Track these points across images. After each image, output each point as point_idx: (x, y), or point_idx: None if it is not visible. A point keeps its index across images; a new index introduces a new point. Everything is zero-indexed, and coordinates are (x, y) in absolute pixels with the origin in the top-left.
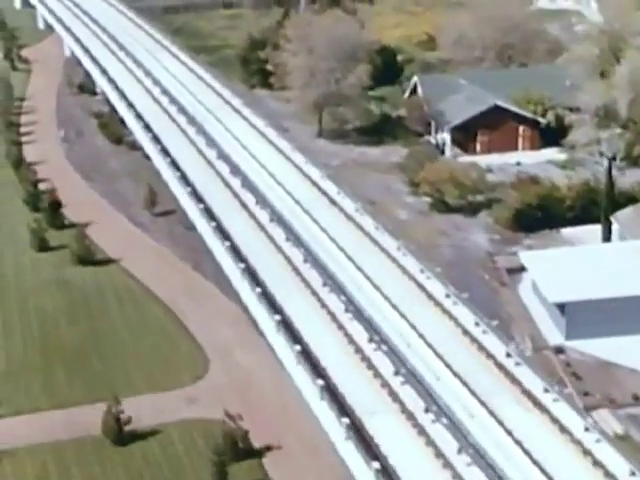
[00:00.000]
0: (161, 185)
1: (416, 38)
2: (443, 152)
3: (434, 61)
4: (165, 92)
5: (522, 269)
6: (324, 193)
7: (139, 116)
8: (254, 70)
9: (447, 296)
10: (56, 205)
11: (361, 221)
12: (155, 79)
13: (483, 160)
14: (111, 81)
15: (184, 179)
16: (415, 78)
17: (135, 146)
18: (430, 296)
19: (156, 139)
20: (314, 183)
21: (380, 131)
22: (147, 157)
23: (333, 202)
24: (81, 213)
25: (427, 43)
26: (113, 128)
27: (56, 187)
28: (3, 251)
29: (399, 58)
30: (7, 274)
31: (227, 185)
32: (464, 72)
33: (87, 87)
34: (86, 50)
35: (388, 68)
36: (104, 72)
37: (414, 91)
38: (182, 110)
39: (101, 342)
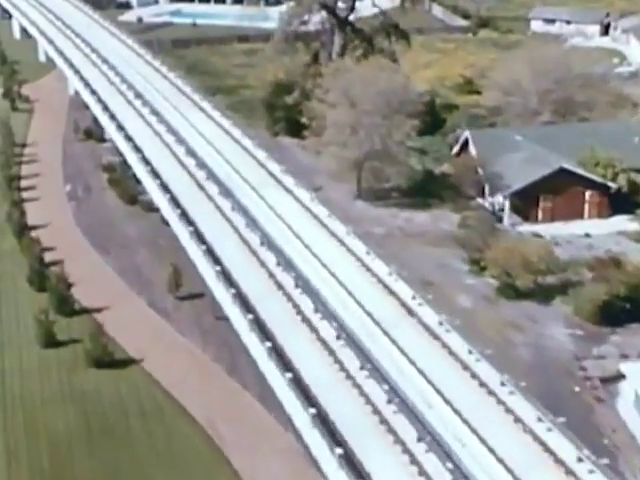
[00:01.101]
0: (184, 257)
1: (450, 80)
2: (500, 219)
3: (478, 110)
4: (181, 141)
5: (617, 378)
6: (373, 273)
7: (154, 171)
8: (279, 117)
9: (539, 420)
10: (65, 286)
11: (423, 315)
12: (170, 126)
13: (546, 230)
14: (121, 128)
15: (211, 255)
16: (467, 133)
17: (152, 207)
18: (518, 419)
19: (175, 201)
20: (360, 261)
21: (424, 191)
22: (166, 222)
23: (385, 286)
24: (94, 295)
25: (464, 86)
26: (125, 185)
27: (64, 259)
28: (5, 346)
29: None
30: (12, 381)
31: (261, 263)
32: (518, 126)
33: (95, 133)
34: (93, 91)
35: (427, 116)
36: (113, 117)
37: (463, 147)
38: (202, 165)
39: None
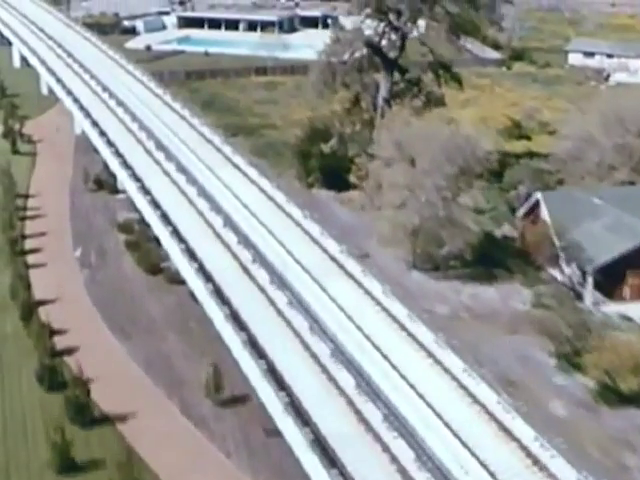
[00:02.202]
0: (221, 346)
1: (494, 121)
2: (578, 295)
3: (539, 163)
4: (204, 194)
5: None
6: (446, 369)
7: (177, 234)
8: (314, 166)
9: None
10: (83, 390)
11: (514, 429)
12: (190, 175)
13: (636, 311)
14: (136, 178)
15: (254, 346)
16: (538, 195)
17: (177, 279)
18: None
19: (204, 272)
20: (429, 353)
21: (486, 258)
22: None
23: (463, 388)
24: (115, 397)
25: (512, 129)
26: (145, 249)
27: (78, 346)
28: (10, 471)
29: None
30: None
31: (315, 360)
32: (593, 185)
33: (106, 182)
34: (102, 132)
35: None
36: (125, 164)
37: (532, 209)
38: (233, 227)
39: None
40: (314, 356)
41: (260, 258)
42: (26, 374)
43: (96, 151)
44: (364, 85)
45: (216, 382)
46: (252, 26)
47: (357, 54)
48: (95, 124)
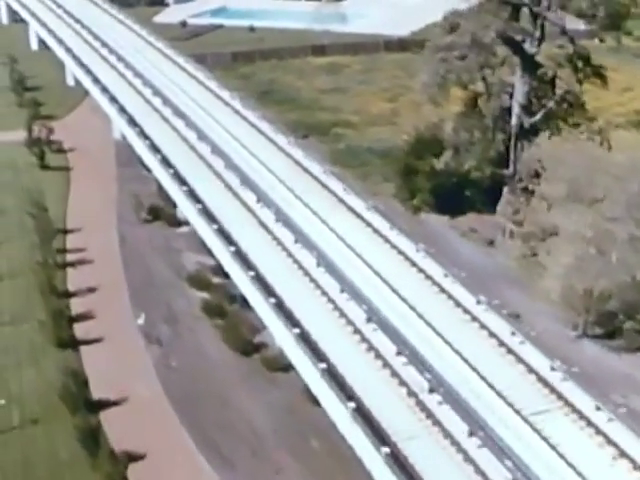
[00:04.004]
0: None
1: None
2: None
3: None
4: (293, 229)
5: None
6: None
7: (267, 288)
8: (422, 186)
9: None
10: None
11: None
12: (266, 198)
13: None
14: (197, 200)
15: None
16: None
17: (281, 363)
18: None
19: (317, 354)
20: None
21: None
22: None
23: None
24: None
25: None
26: (231, 317)
27: None
28: None
29: None
30: None
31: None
32: None
33: (164, 211)
34: (154, 147)
35: None
36: (183, 183)
37: None
38: (326, 265)
39: None
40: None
41: (374, 316)
42: None
43: (143, 164)
44: (488, 86)
45: None
46: None
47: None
48: (144, 135)
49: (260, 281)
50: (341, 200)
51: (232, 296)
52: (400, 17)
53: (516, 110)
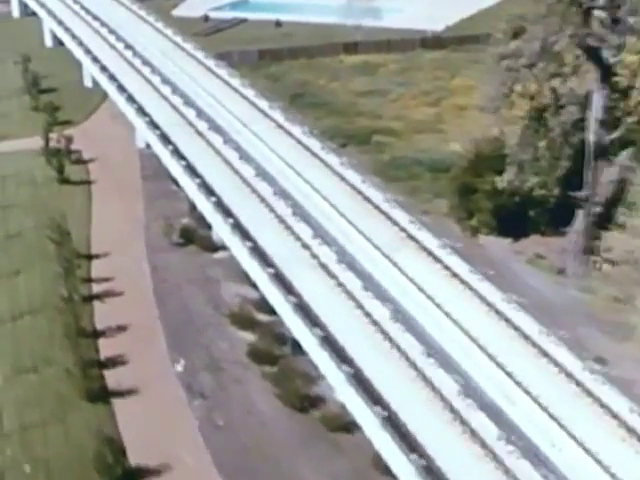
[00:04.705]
0: None
1: None
2: None
3: None
4: (364, 278)
5: None
6: None
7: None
8: (484, 205)
9: None
10: None
11: None
12: (307, 216)
13: None
14: (236, 225)
15: None
16: None
17: (342, 422)
18: None
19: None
20: None
21: None
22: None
23: None
24: None
25: None
26: (284, 366)
27: None
28: None
29: None
30: None
31: None
32: None
33: (197, 234)
34: (187, 164)
35: None
36: (226, 211)
37: None
38: (377, 293)
39: None
40: None
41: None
42: None
43: (173, 179)
44: (557, 97)
45: None
46: None
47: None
48: (178, 154)
49: (320, 329)
50: (410, 236)
51: (281, 337)
52: (433, 10)
53: (593, 125)
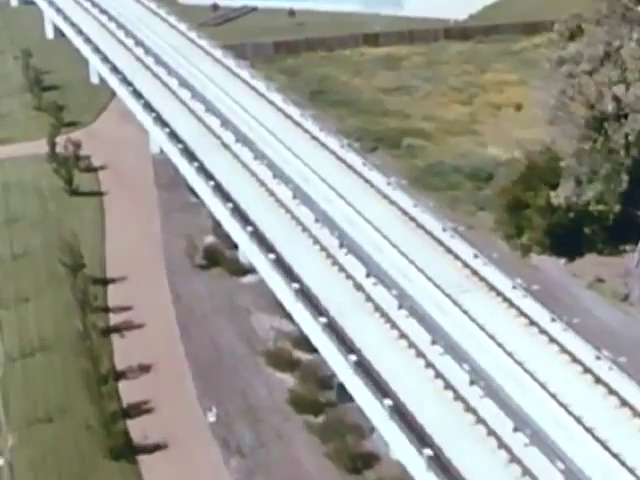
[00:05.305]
0: None
1: None
2: None
3: None
4: (430, 329)
5: None
6: None
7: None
8: (537, 223)
9: None
10: None
11: None
12: (383, 275)
13: None
14: (266, 247)
15: None
16: None
17: None
18: None
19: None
20: None
21: None
22: None
23: None
24: None
25: None
26: (331, 418)
27: None
28: None
29: None
30: None
31: None
32: None
33: (222, 255)
34: (207, 174)
35: None
36: (247, 221)
37: None
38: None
39: None
40: None
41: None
42: None
43: (191, 189)
44: (620, 106)
45: None
46: None
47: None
48: (205, 172)
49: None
50: (475, 272)
51: (325, 380)
52: None
53: None
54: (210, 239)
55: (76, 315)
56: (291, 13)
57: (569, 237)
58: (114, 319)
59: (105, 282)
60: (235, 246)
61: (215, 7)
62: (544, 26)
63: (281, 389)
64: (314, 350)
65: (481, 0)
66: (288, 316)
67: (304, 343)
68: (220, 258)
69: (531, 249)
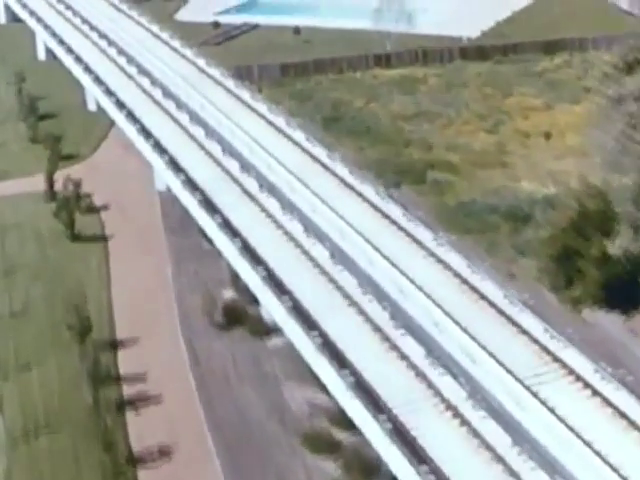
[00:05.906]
0: None
1: None
2: None
3: None
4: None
5: None
6: None
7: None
8: (591, 275)
9: None
10: None
11: None
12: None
13: None
14: (308, 324)
15: None
16: None
17: None
18: None
19: None
20: None
21: None
22: None
23: None
24: None
25: None
26: None
27: None
28: None
29: None
30: None
31: None
32: None
33: (244, 312)
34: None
35: None
36: (270, 275)
37: None
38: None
39: None
40: None
41: None
42: None
43: (203, 233)
44: None
45: None
46: None
47: None
48: (228, 227)
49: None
50: (474, 289)
51: (373, 466)
52: (465, 12)
53: None
54: (229, 294)
55: (85, 387)
56: (296, 31)
57: (625, 290)
58: (127, 391)
59: (115, 345)
60: (257, 301)
61: (216, 25)
62: (564, 44)
63: (322, 477)
64: (353, 427)
65: (492, 16)
66: (322, 387)
67: (343, 421)
68: (242, 316)
69: (581, 301)
